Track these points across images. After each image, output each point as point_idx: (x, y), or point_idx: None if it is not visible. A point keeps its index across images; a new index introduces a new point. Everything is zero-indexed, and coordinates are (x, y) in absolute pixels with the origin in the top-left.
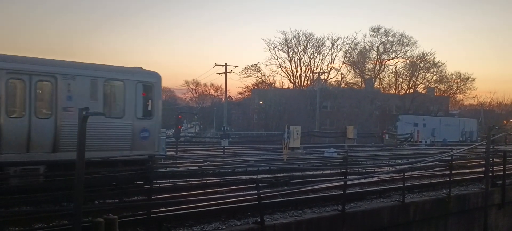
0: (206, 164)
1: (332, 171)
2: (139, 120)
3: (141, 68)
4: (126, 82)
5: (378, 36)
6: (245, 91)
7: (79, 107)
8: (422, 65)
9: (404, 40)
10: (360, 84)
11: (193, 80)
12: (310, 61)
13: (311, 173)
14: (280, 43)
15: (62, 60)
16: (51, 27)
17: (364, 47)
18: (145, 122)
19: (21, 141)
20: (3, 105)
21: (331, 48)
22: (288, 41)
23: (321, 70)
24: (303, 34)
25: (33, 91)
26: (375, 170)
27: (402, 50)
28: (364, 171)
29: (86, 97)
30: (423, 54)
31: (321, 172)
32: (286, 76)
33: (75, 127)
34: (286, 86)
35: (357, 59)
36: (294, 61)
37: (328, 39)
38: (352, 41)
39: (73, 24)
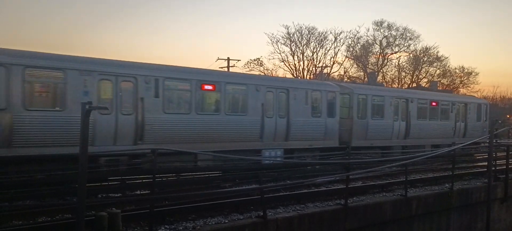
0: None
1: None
2: (478, 122)
3: (475, 96)
4: (473, 105)
5: (381, 30)
6: None
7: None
8: (425, 59)
9: (407, 34)
10: (363, 78)
11: None
12: (312, 55)
13: (314, 167)
14: (282, 37)
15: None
16: (51, 21)
17: (367, 41)
18: (479, 124)
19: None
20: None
21: (334, 42)
22: (291, 35)
23: (324, 64)
24: (305, 28)
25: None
26: (378, 164)
27: (405, 44)
28: (366, 165)
29: (466, 114)
30: (426, 48)
31: (324, 166)
32: (288, 70)
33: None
34: None
35: (360, 53)
36: (297, 55)
37: (331, 33)
38: (355, 35)
39: (73, 19)
